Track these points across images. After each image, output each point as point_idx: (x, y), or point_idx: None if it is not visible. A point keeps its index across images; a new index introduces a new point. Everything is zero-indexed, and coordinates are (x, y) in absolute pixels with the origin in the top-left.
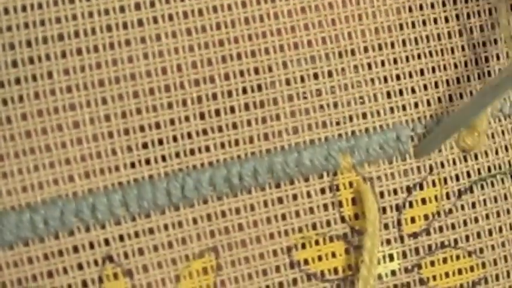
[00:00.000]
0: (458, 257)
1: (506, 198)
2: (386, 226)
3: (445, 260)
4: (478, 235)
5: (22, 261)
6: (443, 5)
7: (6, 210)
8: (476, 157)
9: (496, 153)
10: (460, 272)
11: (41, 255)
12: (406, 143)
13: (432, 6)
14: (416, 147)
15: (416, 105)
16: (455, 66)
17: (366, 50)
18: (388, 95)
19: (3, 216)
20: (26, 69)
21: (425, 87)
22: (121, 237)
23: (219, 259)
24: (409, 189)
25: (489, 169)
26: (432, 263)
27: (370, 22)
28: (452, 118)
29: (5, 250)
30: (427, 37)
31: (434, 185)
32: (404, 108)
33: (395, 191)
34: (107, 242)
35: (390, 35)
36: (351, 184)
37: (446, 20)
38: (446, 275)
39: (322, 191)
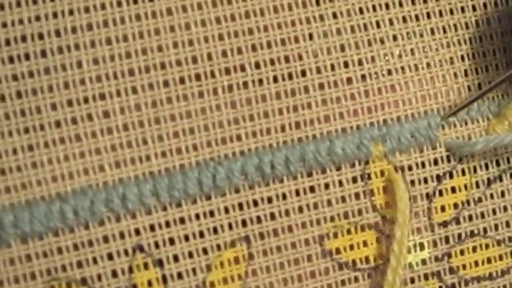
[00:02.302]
0: (487, 246)
1: None
2: (416, 215)
3: (474, 249)
4: (507, 224)
5: (52, 251)
6: None
7: (37, 200)
8: (505, 147)
9: None
10: (489, 260)
11: (70, 245)
12: (437, 131)
13: None
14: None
15: (447, 93)
16: (484, 54)
17: (395, 38)
18: (420, 83)
19: (33, 206)
20: (55, 59)
21: (455, 75)
22: (152, 227)
23: (251, 248)
24: (439, 178)
25: None
26: (462, 252)
27: (397, 11)
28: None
29: (34, 240)
30: (455, 26)
31: (463, 173)
32: (435, 96)
33: (425, 180)
34: (137, 231)
35: (418, 24)
36: (382, 173)
37: (474, 9)
38: (476, 263)
39: (354, 179)
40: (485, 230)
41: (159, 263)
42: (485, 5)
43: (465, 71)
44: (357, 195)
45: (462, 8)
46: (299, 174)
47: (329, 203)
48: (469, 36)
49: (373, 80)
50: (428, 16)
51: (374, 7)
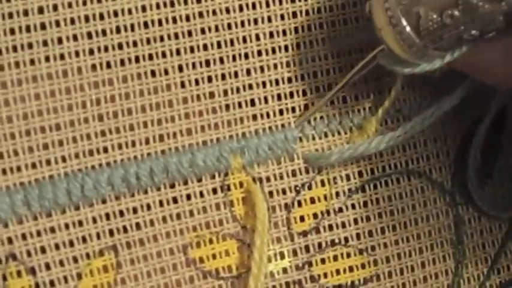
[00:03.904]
0: (349, 255)
1: (401, 197)
2: (276, 225)
3: (335, 258)
4: (370, 233)
5: None
6: (343, 7)
7: None
8: (369, 158)
9: (392, 153)
10: (351, 269)
11: None
12: (294, 144)
13: (331, 9)
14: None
15: (306, 106)
16: (352, 67)
17: (259, 53)
18: (279, 97)
19: None
20: None
21: (317, 89)
22: (23, 236)
23: (119, 257)
24: (297, 189)
25: (384, 169)
26: (323, 261)
27: (265, 26)
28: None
29: None
30: (323, 40)
31: (323, 184)
32: (293, 110)
33: (284, 191)
34: (10, 240)
35: (285, 39)
36: (241, 184)
37: (345, 23)
38: (337, 272)
39: (214, 191)
40: (346, 239)
41: (32, 270)
42: (357, 19)
43: (329, 84)
44: (218, 206)
45: (333, 22)
46: (162, 186)
47: (191, 213)
48: (337, 51)
49: (235, 94)
50: (296, 31)
51: (242, 23)
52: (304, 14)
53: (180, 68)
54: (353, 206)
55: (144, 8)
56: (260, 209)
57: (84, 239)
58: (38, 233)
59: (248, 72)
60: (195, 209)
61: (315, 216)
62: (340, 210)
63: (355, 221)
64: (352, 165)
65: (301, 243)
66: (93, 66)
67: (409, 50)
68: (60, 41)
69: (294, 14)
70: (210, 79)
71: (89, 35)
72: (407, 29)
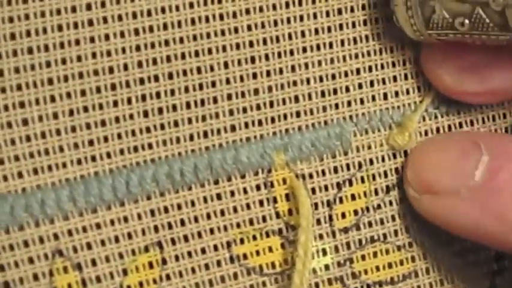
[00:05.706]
0: (387, 251)
1: None
2: (318, 221)
3: (375, 254)
4: (407, 230)
5: None
6: (386, 4)
7: None
8: (406, 154)
9: None
10: (390, 265)
11: None
12: (336, 140)
13: (375, 6)
14: None
15: (349, 103)
16: (393, 65)
17: (304, 50)
18: (323, 94)
19: None
20: None
21: (360, 86)
22: (69, 232)
23: (164, 253)
24: (339, 186)
25: None
26: (363, 257)
27: (310, 23)
28: None
29: None
30: (366, 37)
31: (363, 181)
32: (337, 106)
33: (326, 187)
34: (56, 236)
35: (329, 36)
36: (284, 181)
37: (388, 20)
38: (377, 268)
39: (258, 187)
40: (384, 236)
41: (78, 266)
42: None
43: (371, 81)
44: (261, 203)
45: (376, 19)
46: (206, 182)
47: (235, 210)
48: (380, 47)
49: (279, 91)
50: (341, 27)
51: (288, 19)
52: (349, 11)
53: (226, 65)
54: (390, 203)
55: (191, 5)
56: (304, 205)
57: (129, 235)
58: (84, 229)
59: (293, 68)
60: (239, 206)
61: (356, 212)
62: (379, 207)
63: (393, 217)
64: (390, 161)
65: (343, 240)
66: (139, 63)
67: (414, 34)
68: (107, 37)
69: (339, 11)
70: (255, 76)
71: (136, 32)
72: (419, 18)
